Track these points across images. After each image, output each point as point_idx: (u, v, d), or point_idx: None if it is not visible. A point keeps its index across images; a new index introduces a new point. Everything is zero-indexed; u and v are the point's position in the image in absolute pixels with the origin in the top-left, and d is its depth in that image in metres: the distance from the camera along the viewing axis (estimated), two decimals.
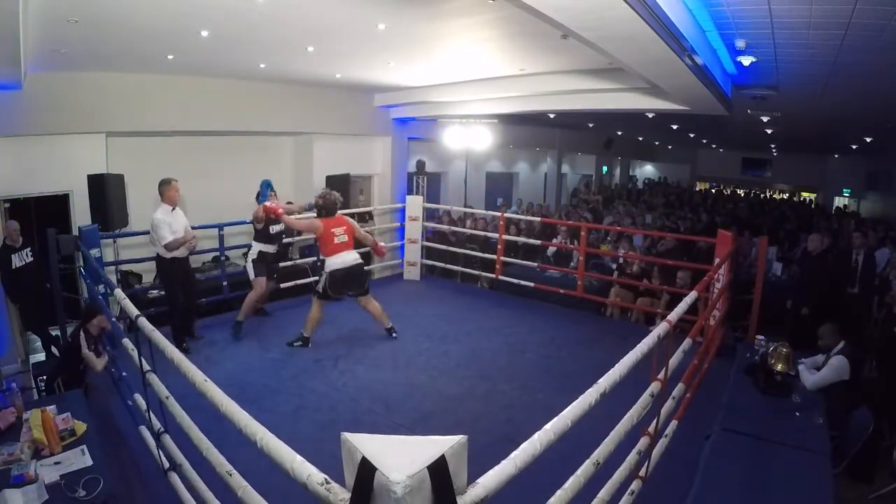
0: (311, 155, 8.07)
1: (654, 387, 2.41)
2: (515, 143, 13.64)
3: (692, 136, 14.29)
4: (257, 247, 5.20)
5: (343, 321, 5.44)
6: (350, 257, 4.82)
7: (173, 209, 4.59)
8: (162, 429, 2.60)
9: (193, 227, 5.41)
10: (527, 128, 13.09)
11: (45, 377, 4.04)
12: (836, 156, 16.18)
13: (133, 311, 2.52)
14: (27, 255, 5.14)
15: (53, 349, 5.21)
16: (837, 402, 3.53)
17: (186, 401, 2.33)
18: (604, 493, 2.17)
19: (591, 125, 13.04)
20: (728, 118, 6.71)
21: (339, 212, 4.93)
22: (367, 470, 1.05)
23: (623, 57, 3.66)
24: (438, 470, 1.06)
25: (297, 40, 4.70)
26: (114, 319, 3.42)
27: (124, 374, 3.43)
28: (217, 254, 6.28)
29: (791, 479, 2.72)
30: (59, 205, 5.93)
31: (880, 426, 3.63)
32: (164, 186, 4.59)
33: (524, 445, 1.40)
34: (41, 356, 5.33)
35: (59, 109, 5.54)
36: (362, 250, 7.68)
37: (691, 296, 3.04)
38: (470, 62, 5.59)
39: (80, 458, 2.59)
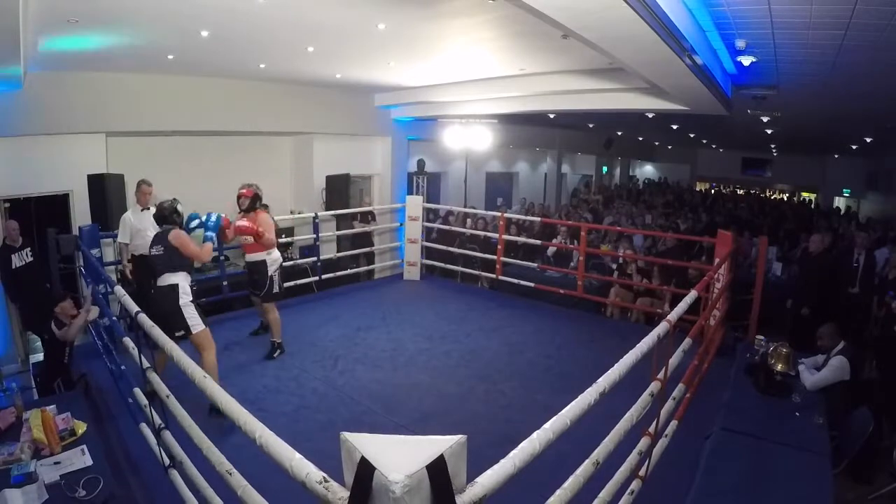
0: (311, 155, 8.07)
1: (654, 387, 2.41)
2: (515, 143, 13.64)
3: (692, 136, 14.29)
4: (186, 280, 3.55)
5: (343, 321, 5.43)
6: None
7: (143, 210, 4.69)
8: (162, 424, 2.60)
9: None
10: (527, 128, 13.09)
11: (37, 378, 4.03)
12: (836, 156, 16.17)
13: (133, 307, 2.52)
14: (27, 254, 5.14)
15: None
16: (837, 402, 3.53)
17: (187, 401, 2.33)
18: (604, 492, 2.17)
19: (591, 125, 13.05)
20: (728, 118, 6.71)
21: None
22: (366, 469, 1.05)
23: (623, 57, 3.66)
24: (437, 469, 1.06)
25: (297, 40, 4.71)
26: (114, 318, 3.42)
27: (123, 367, 3.43)
28: (216, 254, 6.27)
29: (791, 479, 2.72)
30: (59, 205, 5.93)
31: (880, 426, 3.63)
32: (136, 189, 4.76)
33: (523, 444, 1.40)
34: (41, 356, 5.32)
35: (59, 109, 5.55)
36: (366, 250, 7.71)
37: (691, 295, 3.04)
38: (470, 62, 5.59)
39: (80, 458, 2.59)
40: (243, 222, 4.32)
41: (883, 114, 6.88)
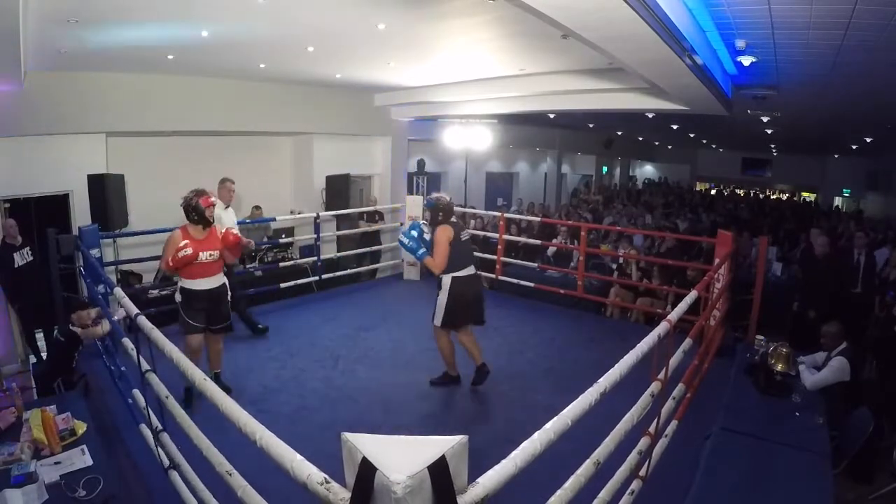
0: (311, 155, 8.07)
1: (654, 387, 2.41)
2: (515, 143, 13.66)
3: (692, 136, 14.30)
4: None
5: (343, 321, 5.43)
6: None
7: (226, 207, 4.68)
8: (160, 427, 2.60)
9: None
10: (527, 128, 13.10)
11: (37, 378, 4.03)
12: (836, 156, 16.19)
13: (133, 309, 2.52)
14: (27, 253, 5.13)
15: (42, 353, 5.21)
16: (837, 402, 3.53)
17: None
18: (604, 492, 2.17)
19: (591, 125, 13.06)
20: (728, 118, 6.71)
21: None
22: (367, 470, 1.05)
23: (623, 57, 3.66)
24: (439, 470, 1.06)
25: (297, 40, 4.71)
26: (114, 319, 3.42)
27: (123, 368, 3.43)
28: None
29: (791, 479, 2.72)
30: (59, 205, 5.93)
31: (880, 426, 3.63)
32: (220, 185, 4.69)
33: (524, 445, 1.40)
34: (42, 355, 5.31)
35: (59, 109, 5.55)
36: (374, 248, 7.67)
37: (691, 295, 3.04)
38: (470, 62, 5.59)
39: (80, 458, 2.59)
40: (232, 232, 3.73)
41: (883, 114, 6.88)
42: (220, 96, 6.76)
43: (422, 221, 4.03)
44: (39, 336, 5.37)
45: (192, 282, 3.54)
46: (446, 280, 3.79)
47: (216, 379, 3.66)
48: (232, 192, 4.71)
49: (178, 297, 3.62)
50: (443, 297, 3.80)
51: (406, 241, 3.79)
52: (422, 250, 3.78)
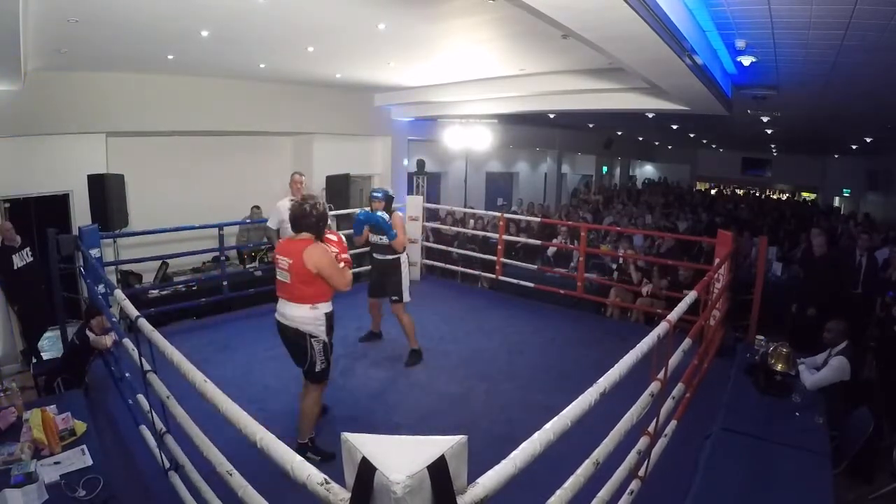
0: (311, 155, 8.08)
1: (654, 386, 2.41)
2: (515, 143, 13.65)
3: (692, 136, 14.29)
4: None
5: (343, 321, 5.42)
6: (287, 310, 2.94)
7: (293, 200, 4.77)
8: (164, 429, 2.60)
9: (192, 228, 5.40)
10: (527, 128, 13.09)
11: (44, 376, 4.06)
12: (836, 156, 16.19)
13: (133, 311, 2.52)
14: (27, 254, 5.14)
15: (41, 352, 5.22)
16: (837, 402, 3.53)
17: (188, 401, 2.33)
18: (604, 492, 2.17)
19: (591, 125, 13.05)
20: (728, 118, 6.71)
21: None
22: (367, 470, 1.05)
23: (623, 57, 3.66)
24: (438, 470, 1.06)
25: (297, 40, 4.71)
26: (114, 320, 3.43)
27: (127, 374, 3.43)
28: (217, 254, 6.28)
29: (791, 479, 2.72)
30: (59, 205, 5.93)
31: (880, 426, 3.63)
32: (290, 180, 4.90)
33: (524, 445, 1.40)
34: (45, 355, 5.31)
35: (59, 109, 5.56)
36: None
37: (691, 295, 3.03)
38: (470, 62, 5.60)
39: (80, 458, 2.59)
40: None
41: (883, 114, 6.88)
42: (220, 96, 6.76)
43: (364, 209, 4.36)
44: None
45: (330, 303, 2.93)
46: (404, 258, 4.40)
47: (313, 444, 2.79)
48: (299, 184, 4.85)
49: (321, 333, 2.87)
50: (406, 274, 4.38)
51: (384, 219, 4.13)
52: (394, 231, 4.17)
